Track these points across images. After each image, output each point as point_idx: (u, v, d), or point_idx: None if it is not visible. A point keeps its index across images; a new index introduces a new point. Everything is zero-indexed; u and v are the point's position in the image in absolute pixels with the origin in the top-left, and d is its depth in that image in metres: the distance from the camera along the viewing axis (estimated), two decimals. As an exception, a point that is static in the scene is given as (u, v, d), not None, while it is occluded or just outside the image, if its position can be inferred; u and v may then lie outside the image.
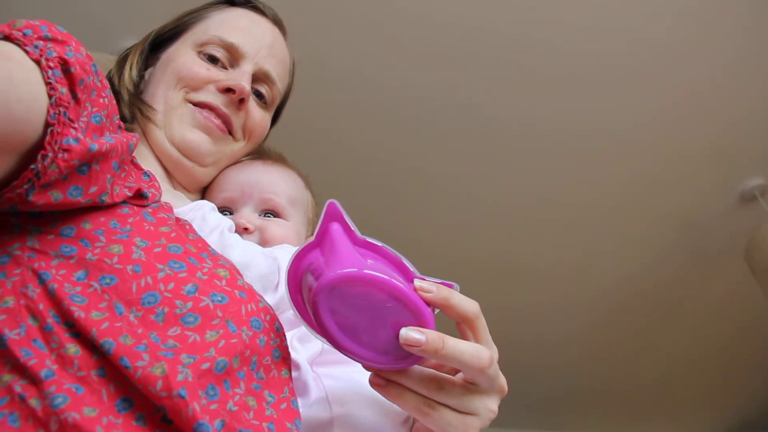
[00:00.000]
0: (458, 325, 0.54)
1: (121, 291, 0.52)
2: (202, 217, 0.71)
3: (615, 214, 2.37)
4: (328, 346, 0.65)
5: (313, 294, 0.49)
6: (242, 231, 0.78)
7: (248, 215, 0.81)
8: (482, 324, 0.54)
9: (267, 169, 0.85)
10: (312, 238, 0.54)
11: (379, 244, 0.52)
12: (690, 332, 2.80)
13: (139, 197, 0.62)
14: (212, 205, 0.75)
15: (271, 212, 0.82)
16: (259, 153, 0.88)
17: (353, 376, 0.68)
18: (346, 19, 1.81)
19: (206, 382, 0.50)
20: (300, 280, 0.54)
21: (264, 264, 0.71)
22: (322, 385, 0.65)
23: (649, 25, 1.89)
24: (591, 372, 2.91)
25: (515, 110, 2.05)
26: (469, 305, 0.53)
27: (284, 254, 0.75)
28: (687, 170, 2.26)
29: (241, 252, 0.70)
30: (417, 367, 0.54)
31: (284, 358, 0.60)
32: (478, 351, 0.52)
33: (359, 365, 0.71)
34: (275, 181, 0.84)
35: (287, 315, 0.71)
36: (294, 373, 0.64)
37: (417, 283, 0.51)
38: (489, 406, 0.55)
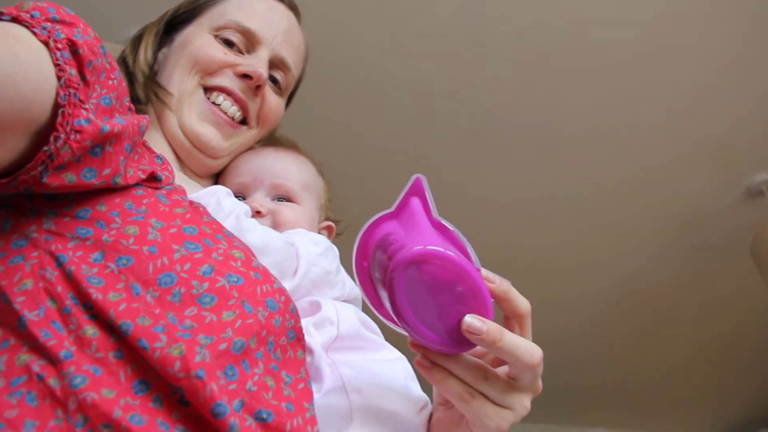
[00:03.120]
0: (507, 320, 0.55)
1: (138, 271, 0.52)
2: (217, 201, 0.71)
3: (619, 209, 2.36)
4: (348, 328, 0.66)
5: (394, 263, 0.50)
6: (255, 215, 0.78)
7: (261, 199, 0.80)
8: (530, 323, 0.55)
9: (279, 156, 0.85)
10: (390, 209, 0.54)
11: (451, 227, 0.53)
12: (694, 328, 2.80)
13: (152, 180, 0.62)
14: (227, 189, 0.74)
15: (283, 197, 0.82)
16: (272, 140, 0.87)
17: (369, 364, 0.68)
18: (361, 8, 1.80)
19: (225, 362, 0.50)
20: (371, 247, 0.54)
21: (282, 249, 0.70)
22: (338, 373, 0.65)
23: (655, 18, 1.88)
24: (592, 367, 2.91)
25: (518, 102, 2.04)
26: (523, 302, 0.54)
27: (302, 240, 0.75)
28: (693, 165, 2.25)
29: (258, 236, 0.69)
30: (465, 355, 0.54)
31: (299, 339, 0.60)
32: (533, 348, 0.53)
33: (375, 353, 0.72)
34: (287, 167, 0.83)
35: (301, 303, 0.71)
36: (307, 358, 0.63)
37: (484, 272, 0.52)
38: (524, 402, 0.56)
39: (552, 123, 2.10)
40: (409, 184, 0.54)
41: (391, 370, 0.70)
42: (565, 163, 2.21)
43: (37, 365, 0.48)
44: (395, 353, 0.74)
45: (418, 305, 0.51)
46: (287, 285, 0.66)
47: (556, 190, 2.28)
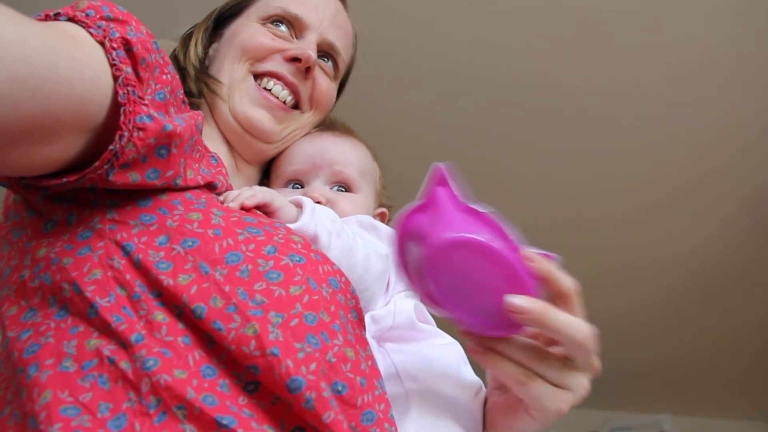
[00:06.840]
0: (553, 301, 0.54)
1: (205, 252, 0.53)
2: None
3: (685, 177, 2.27)
4: (402, 318, 0.66)
5: (419, 258, 0.50)
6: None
7: (320, 188, 0.80)
8: (579, 302, 0.54)
9: (336, 141, 0.84)
10: (416, 202, 0.54)
11: (483, 210, 0.52)
12: (755, 313, 2.69)
13: (209, 188, 0.63)
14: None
15: (342, 185, 0.82)
16: (327, 125, 0.87)
17: (423, 351, 0.69)
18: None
19: (304, 333, 0.51)
20: (405, 243, 0.54)
21: (383, 269, 0.71)
22: (390, 361, 0.65)
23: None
24: (641, 349, 2.83)
25: (582, 64, 1.96)
26: (567, 281, 0.53)
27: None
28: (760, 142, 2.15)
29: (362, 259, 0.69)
30: (518, 337, 0.54)
31: (361, 319, 0.61)
32: (581, 324, 0.52)
33: (428, 341, 0.72)
34: (345, 153, 0.83)
35: None
36: None
37: (525, 251, 0.51)
38: (583, 382, 0.55)
39: (621, 81, 2.00)
40: (429, 174, 0.53)
41: (443, 355, 0.70)
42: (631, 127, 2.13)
43: (108, 349, 0.49)
44: (447, 338, 0.74)
45: (459, 293, 0.51)
46: (383, 300, 0.69)
47: (619, 149, 2.20)
